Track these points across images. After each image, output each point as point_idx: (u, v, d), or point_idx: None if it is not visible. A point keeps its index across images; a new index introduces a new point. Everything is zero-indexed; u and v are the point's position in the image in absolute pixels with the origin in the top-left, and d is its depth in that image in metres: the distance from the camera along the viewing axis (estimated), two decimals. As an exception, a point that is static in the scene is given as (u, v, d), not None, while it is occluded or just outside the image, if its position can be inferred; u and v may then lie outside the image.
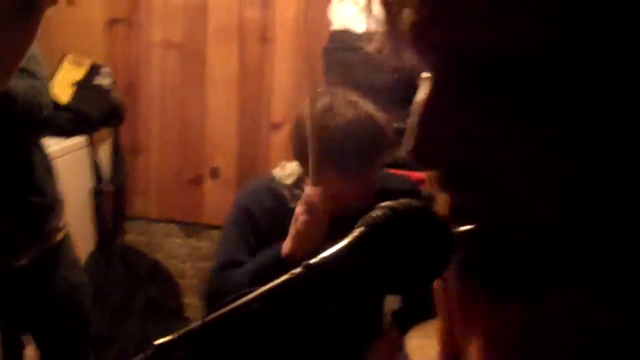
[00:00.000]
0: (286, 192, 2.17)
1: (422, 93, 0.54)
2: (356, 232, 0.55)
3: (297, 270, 0.52)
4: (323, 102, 2.06)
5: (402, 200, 0.57)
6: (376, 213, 0.56)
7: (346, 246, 0.54)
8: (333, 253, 0.54)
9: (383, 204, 0.57)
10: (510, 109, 0.50)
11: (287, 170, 2.22)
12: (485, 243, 0.53)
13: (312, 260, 0.53)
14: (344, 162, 2.03)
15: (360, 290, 0.55)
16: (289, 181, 2.19)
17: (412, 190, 2.29)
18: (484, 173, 0.52)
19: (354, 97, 2.10)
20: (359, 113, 2.05)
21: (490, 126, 0.51)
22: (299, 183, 2.18)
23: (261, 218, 2.16)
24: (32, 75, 2.10)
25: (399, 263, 0.55)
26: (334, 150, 2.00)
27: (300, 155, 2.09)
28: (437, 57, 0.52)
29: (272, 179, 2.23)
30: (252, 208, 2.17)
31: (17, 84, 1.96)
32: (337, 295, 0.54)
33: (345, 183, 2.06)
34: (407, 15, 0.51)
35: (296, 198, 2.13)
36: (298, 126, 2.10)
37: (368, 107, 2.09)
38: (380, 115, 2.09)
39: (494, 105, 0.50)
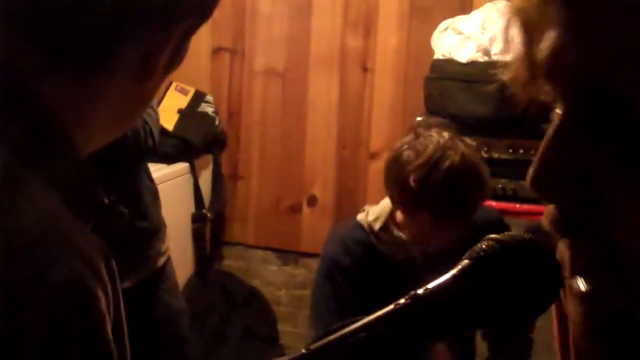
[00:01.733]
0: (373, 238, 2.15)
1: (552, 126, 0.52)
2: (462, 265, 0.54)
3: (403, 300, 0.52)
4: (420, 145, 2.01)
5: (508, 233, 0.56)
6: (482, 245, 0.55)
7: (452, 278, 0.53)
8: (439, 284, 0.53)
9: (489, 236, 0.56)
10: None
11: (372, 215, 2.18)
12: (611, 303, 0.50)
13: (419, 291, 0.52)
14: (441, 212, 1.99)
15: (466, 322, 0.54)
16: (376, 227, 2.15)
17: (499, 220, 2.25)
18: (603, 219, 0.49)
19: (449, 135, 2.04)
20: (459, 162, 1.98)
21: (616, 168, 0.48)
22: (387, 227, 2.15)
23: (352, 269, 2.14)
24: None
25: (505, 296, 0.54)
26: (434, 198, 1.97)
27: (393, 185, 2.07)
28: (571, 87, 0.50)
29: (358, 225, 2.20)
30: (342, 260, 2.15)
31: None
32: (443, 326, 0.53)
33: (439, 229, 2.03)
34: (547, 38, 0.50)
35: (384, 243, 2.12)
36: (395, 159, 2.07)
37: (465, 148, 2.02)
38: (476, 158, 2.04)
39: (623, 147, 0.48)
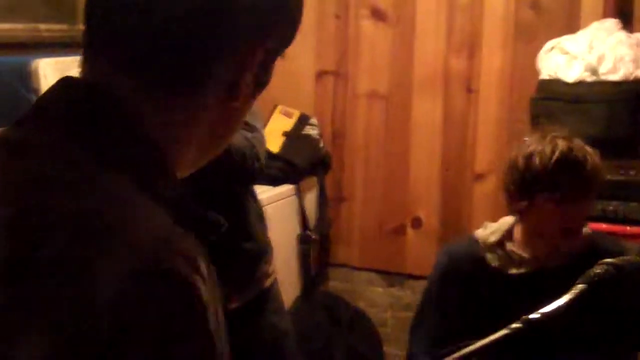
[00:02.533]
0: (487, 255, 2.15)
1: None
2: (577, 289, 0.54)
3: (516, 324, 0.52)
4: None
5: (624, 257, 0.56)
6: (597, 269, 0.55)
7: (567, 302, 0.53)
8: (554, 309, 0.53)
9: (604, 260, 0.56)
10: None
11: (489, 229, 2.19)
12: None
13: (532, 316, 0.52)
14: (564, 190, 1.99)
15: (580, 347, 0.54)
16: (491, 240, 2.16)
17: (621, 253, 2.20)
18: None
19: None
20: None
21: None
22: (502, 242, 2.15)
23: (458, 283, 2.15)
24: (251, 128, 2.21)
25: (621, 320, 0.53)
26: (558, 174, 1.98)
27: (513, 175, 2.07)
28: None
29: (473, 240, 2.20)
30: (450, 274, 2.18)
31: (235, 136, 2.06)
32: (556, 351, 0.53)
33: (564, 216, 2.02)
34: None
35: (497, 258, 2.12)
36: (516, 161, 2.08)
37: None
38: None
39: None
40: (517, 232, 2.14)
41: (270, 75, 0.92)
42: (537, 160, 2.01)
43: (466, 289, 2.14)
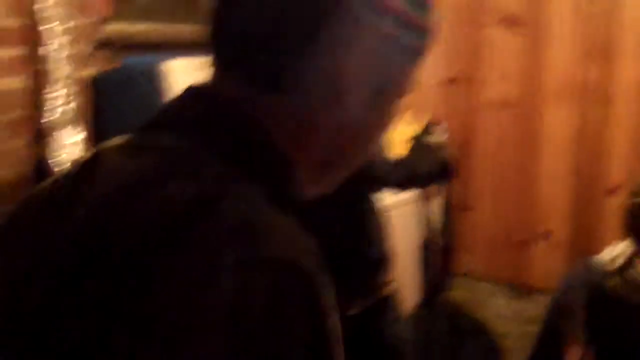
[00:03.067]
0: (606, 279, 2.04)
1: None
2: None
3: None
4: None
5: None
6: None
7: None
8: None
9: None
10: None
11: (609, 255, 2.07)
12: None
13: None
14: None
15: None
16: (611, 267, 2.04)
17: None
18: None
19: None
20: None
21: None
22: (623, 270, 2.03)
23: (576, 312, 2.06)
24: None
25: None
26: None
27: (632, 228, 1.96)
28: None
29: (592, 266, 2.09)
30: (565, 303, 2.08)
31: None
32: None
33: None
34: None
35: (619, 285, 2.00)
36: (634, 197, 1.97)
37: None
38: None
39: None
40: None
41: (401, 87, 0.89)
42: None
43: (584, 317, 2.05)
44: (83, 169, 0.86)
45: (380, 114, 0.90)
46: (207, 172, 0.78)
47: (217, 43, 0.87)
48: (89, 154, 0.89)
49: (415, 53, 0.91)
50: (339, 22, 0.83)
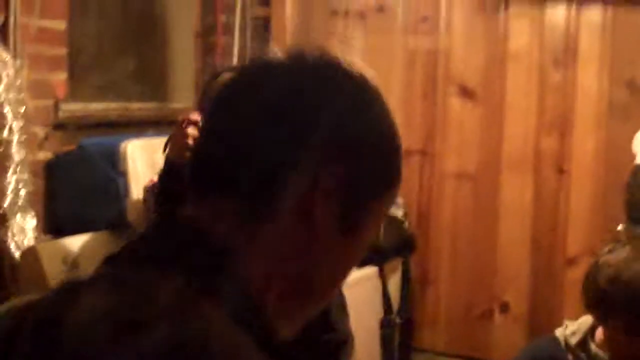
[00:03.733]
0: (569, 355, 2.04)
1: None
2: None
3: None
4: (621, 251, 1.95)
5: None
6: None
7: None
8: None
9: None
10: None
11: (570, 329, 2.08)
12: None
13: None
14: (633, 322, 1.88)
15: None
16: (572, 341, 2.05)
17: None
18: None
19: None
20: None
21: None
22: (584, 343, 2.04)
23: None
24: None
25: None
26: (625, 302, 1.87)
27: (591, 304, 1.97)
28: None
29: (554, 340, 2.10)
30: None
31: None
32: None
33: (633, 347, 1.90)
34: None
35: None
36: (593, 272, 1.98)
37: None
38: None
39: None
40: (600, 332, 2.02)
41: (364, 219, 0.88)
42: (602, 278, 1.90)
43: None
44: (50, 305, 0.83)
45: (353, 245, 0.90)
46: (180, 312, 0.77)
47: (196, 171, 0.87)
48: (55, 290, 0.86)
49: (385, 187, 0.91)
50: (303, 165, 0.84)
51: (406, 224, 3.65)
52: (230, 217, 0.84)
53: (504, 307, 3.58)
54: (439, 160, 3.71)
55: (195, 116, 2.21)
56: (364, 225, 0.89)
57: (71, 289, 0.84)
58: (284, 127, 0.85)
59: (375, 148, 0.90)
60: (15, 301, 0.90)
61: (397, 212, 3.63)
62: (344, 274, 0.93)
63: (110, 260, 0.87)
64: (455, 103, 3.67)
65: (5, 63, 2.59)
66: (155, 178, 2.37)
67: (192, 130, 2.18)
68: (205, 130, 0.94)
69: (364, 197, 0.88)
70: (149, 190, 2.43)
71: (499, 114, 3.58)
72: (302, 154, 0.84)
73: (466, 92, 3.65)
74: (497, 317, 3.59)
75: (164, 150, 2.27)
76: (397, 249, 3.60)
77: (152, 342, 0.73)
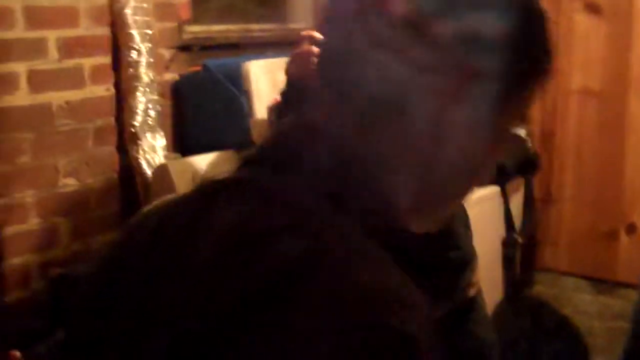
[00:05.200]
0: None
1: None
2: None
3: None
4: None
5: None
6: None
7: None
8: None
9: None
10: None
11: None
12: None
13: None
14: None
15: None
16: None
17: None
18: None
19: None
20: None
21: None
22: None
23: None
24: None
25: None
26: None
27: None
28: None
29: None
30: None
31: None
32: None
33: None
34: None
35: None
36: None
37: None
38: None
39: None
40: None
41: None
42: None
43: None
44: (190, 212, 0.86)
45: (485, 148, 0.87)
46: (314, 222, 0.78)
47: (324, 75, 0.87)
48: (193, 192, 0.89)
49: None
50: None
51: (529, 143, 3.58)
52: (357, 121, 0.84)
53: (631, 228, 3.49)
54: (564, 77, 3.60)
55: (316, 34, 2.21)
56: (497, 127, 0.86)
57: (209, 194, 0.86)
58: None
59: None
60: (158, 201, 0.93)
61: (520, 130, 3.57)
62: (473, 178, 0.90)
63: (245, 164, 0.88)
64: (581, 19, 3.54)
65: (131, -14, 2.65)
66: (278, 97, 2.40)
67: (312, 48, 2.19)
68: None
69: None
70: (272, 109, 2.46)
71: (626, 30, 3.44)
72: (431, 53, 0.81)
73: (592, 8, 3.51)
74: (623, 238, 3.51)
75: (286, 69, 2.29)
76: (520, 168, 3.55)
77: (282, 250, 0.75)
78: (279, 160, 0.84)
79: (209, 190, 0.87)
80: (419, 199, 0.87)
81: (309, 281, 0.72)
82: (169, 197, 1.09)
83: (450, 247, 2.32)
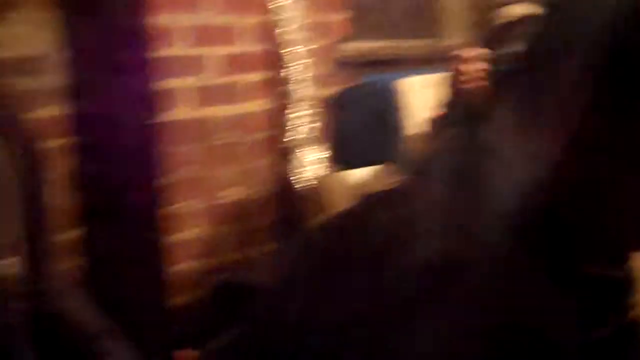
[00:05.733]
0: None
1: None
2: None
3: None
4: None
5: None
6: None
7: None
8: None
9: None
10: None
11: None
12: None
13: None
14: None
15: None
16: None
17: None
18: None
19: None
20: None
21: None
22: None
23: None
24: None
25: None
26: None
27: None
28: None
29: None
30: None
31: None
32: None
33: None
34: None
35: None
36: None
37: None
38: None
39: None
40: None
41: None
42: None
43: None
44: (358, 218, 0.88)
45: None
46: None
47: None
48: (364, 200, 0.91)
49: None
50: None
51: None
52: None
53: None
54: None
55: (470, 53, 2.21)
56: None
57: (371, 203, 0.88)
58: None
59: None
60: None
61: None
62: None
63: (420, 171, 0.90)
64: None
65: (290, 4, 2.72)
66: (433, 113, 2.40)
67: (467, 67, 2.18)
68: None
69: None
70: (432, 123, 2.47)
71: None
72: None
73: None
74: None
75: (450, 84, 2.29)
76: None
77: (428, 254, 0.75)
78: (449, 174, 0.85)
79: (370, 199, 0.89)
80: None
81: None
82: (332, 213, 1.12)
83: (617, 263, 2.24)
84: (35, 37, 2.37)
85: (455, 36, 3.54)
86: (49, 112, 2.41)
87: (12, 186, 1.18)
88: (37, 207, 1.26)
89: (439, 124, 2.36)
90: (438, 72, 2.51)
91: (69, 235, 2.44)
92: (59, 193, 2.36)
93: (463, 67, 2.21)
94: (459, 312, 0.74)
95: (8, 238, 1.15)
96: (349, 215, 0.90)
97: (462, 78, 2.22)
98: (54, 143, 2.40)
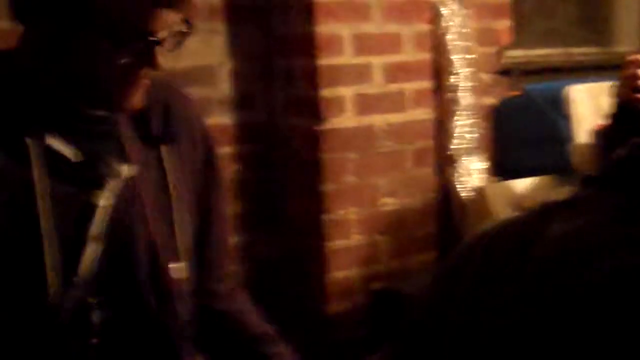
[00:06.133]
0: None
1: None
2: None
3: None
4: None
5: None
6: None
7: None
8: None
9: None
10: None
11: None
12: None
13: None
14: None
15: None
16: None
17: None
18: None
19: None
20: None
21: None
22: None
23: None
24: None
25: None
26: None
27: None
28: None
29: None
30: None
31: None
32: None
33: None
34: None
35: None
36: None
37: None
38: None
39: None
40: None
41: None
42: None
43: None
44: (523, 227, 0.88)
45: None
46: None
47: None
48: (528, 212, 0.90)
49: None
50: None
51: None
52: None
53: None
54: None
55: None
56: None
57: (545, 212, 0.86)
58: None
59: None
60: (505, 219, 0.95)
61: None
62: None
63: (582, 186, 0.88)
64: None
65: (453, 12, 2.70)
66: (602, 122, 2.32)
67: (641, 72, 2.09)
68: None
69: None
70: (599, 133, 2.38)
71: None
72: None
73: None
74: None
75: (617, 92, 2.21)
76: None
77: (608, 267, 0.73)
78: (622, 183, 0.83)
79: (544, 209, 0.87)
80: None
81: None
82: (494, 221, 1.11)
83: None
84: (205, 48, 2.46)
85: (626, 43, 3.41)
86: (218, 120, 2.50)
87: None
88: (217, 212, 1.32)
89: (608, 134, 2.28)
90: (608, 80, 2.42)
91: (232, 240, 2.52)
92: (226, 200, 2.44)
93: (636, 72, 2.12)
94: None
95: (184, 244, 1.21)
96: (519, 225, 0.90)
97: (638, 83, 2.14)
98: (222, 151, 2.49)
